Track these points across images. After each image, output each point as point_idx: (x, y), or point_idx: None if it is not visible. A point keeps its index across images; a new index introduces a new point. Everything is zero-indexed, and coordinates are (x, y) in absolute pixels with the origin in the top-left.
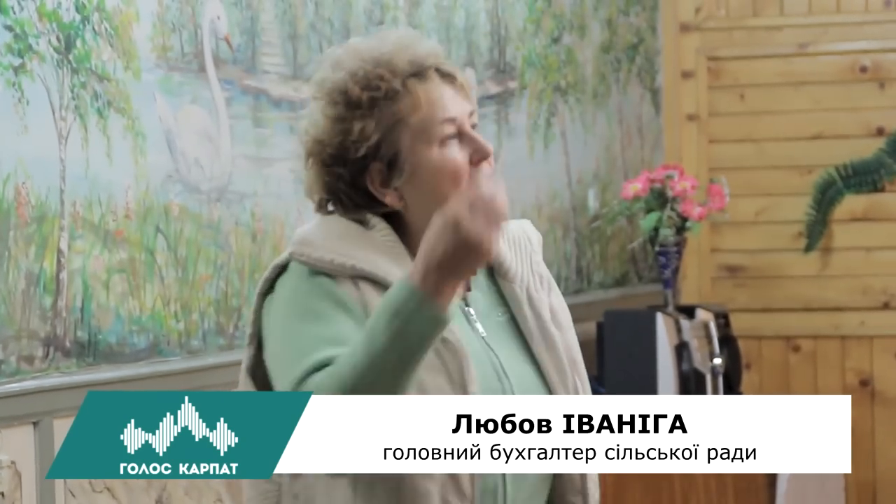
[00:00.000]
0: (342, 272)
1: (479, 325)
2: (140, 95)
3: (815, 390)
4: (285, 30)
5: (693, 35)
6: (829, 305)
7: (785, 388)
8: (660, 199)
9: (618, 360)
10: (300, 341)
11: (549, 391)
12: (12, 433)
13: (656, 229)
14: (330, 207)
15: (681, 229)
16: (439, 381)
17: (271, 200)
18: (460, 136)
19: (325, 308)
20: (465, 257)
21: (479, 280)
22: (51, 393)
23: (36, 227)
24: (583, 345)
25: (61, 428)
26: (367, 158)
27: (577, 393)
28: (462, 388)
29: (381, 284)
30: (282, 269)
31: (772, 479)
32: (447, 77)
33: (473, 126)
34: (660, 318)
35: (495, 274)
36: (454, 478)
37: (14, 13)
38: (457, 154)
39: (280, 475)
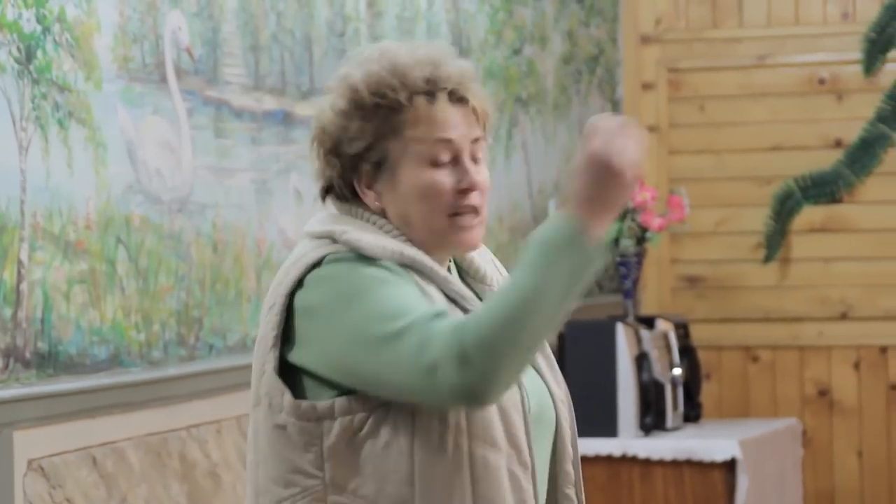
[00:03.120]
0: (391, 258)
1: None
2: (101, 106)
3: (774, 401)
4: (247, 41)
5: (653, 47)
6: (787, 316)
7: (744, 398)
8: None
9: (578, 371)
10: (390, 302)
11: (542, 378)
12: None
13: (617, 240)
14: (328, 201)
15: (641, 240)
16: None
17: (233, 211)
18: (454, 161)
19: (396, 279)
20: (611, 186)
21: (455, 283)
22: (10, 404)
23: None
24: None
25: (21, 440)
26: (357, 157)
27: (564, 384)
28: None
29: (423, 273)
30: (314, 265)
31: (731, 487)
32: (461, 101)
33: (476, 155)
34: (620, 329)
35: (467, 278)
36: (517, 450)
37: None
38: (442, 179)
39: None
